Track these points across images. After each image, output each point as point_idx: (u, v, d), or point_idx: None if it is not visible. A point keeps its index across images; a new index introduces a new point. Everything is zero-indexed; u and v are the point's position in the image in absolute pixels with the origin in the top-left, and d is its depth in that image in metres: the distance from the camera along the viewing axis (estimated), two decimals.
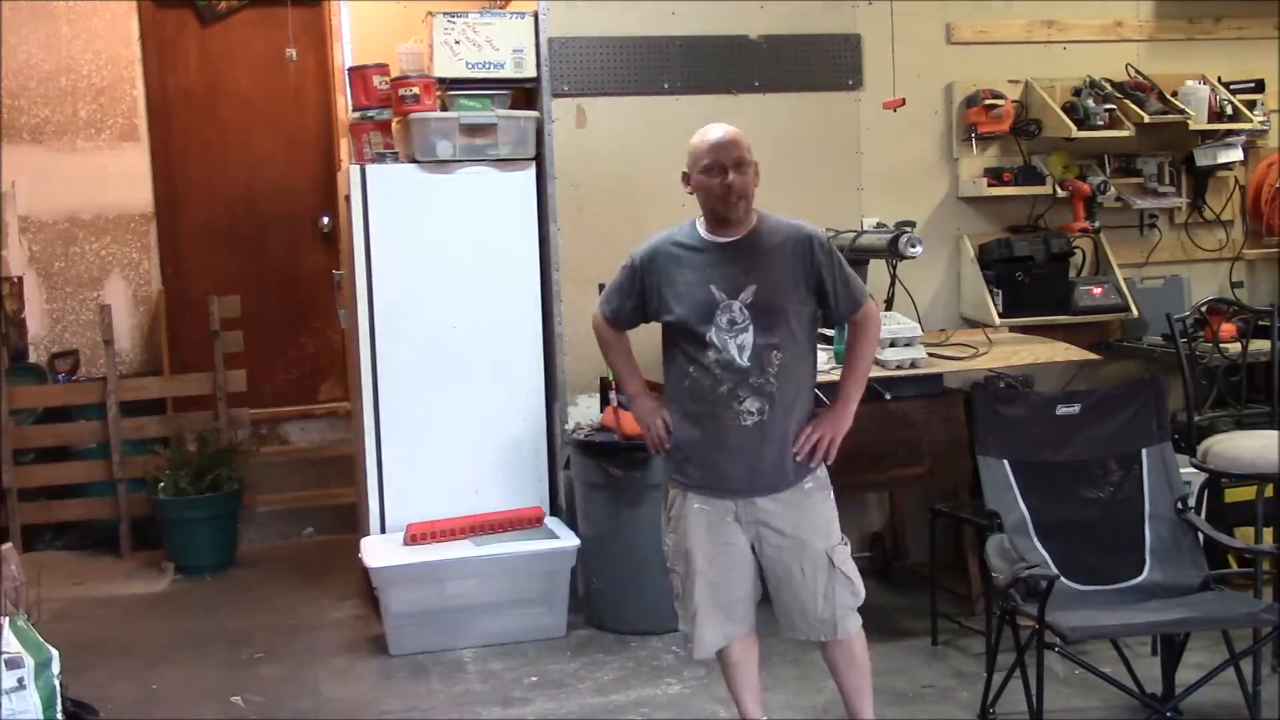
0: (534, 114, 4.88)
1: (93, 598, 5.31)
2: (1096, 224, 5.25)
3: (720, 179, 3.11)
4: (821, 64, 5.14)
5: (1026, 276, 5.11)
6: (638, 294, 3.28)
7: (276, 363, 6.82)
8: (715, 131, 3.18)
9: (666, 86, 5.01)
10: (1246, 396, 4.53)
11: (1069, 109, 5.17)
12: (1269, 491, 3.95)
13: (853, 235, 4.69)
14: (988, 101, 5.16)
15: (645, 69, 4.99)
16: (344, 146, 6.09)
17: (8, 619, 3.15)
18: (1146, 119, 5.19)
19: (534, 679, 4.19)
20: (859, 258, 4.62)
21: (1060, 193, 5.26)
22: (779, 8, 5.08)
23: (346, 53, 6.10)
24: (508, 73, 4.85)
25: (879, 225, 4.80)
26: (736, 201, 3.12)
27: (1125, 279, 5.26)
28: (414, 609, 4.42)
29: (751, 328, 3.10)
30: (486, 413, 4.85)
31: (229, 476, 5.73)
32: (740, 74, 5.06)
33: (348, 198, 4.83)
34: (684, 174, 3.22)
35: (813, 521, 3.20)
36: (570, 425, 4.86)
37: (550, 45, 4.88)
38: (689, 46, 5.02)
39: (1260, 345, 4.49)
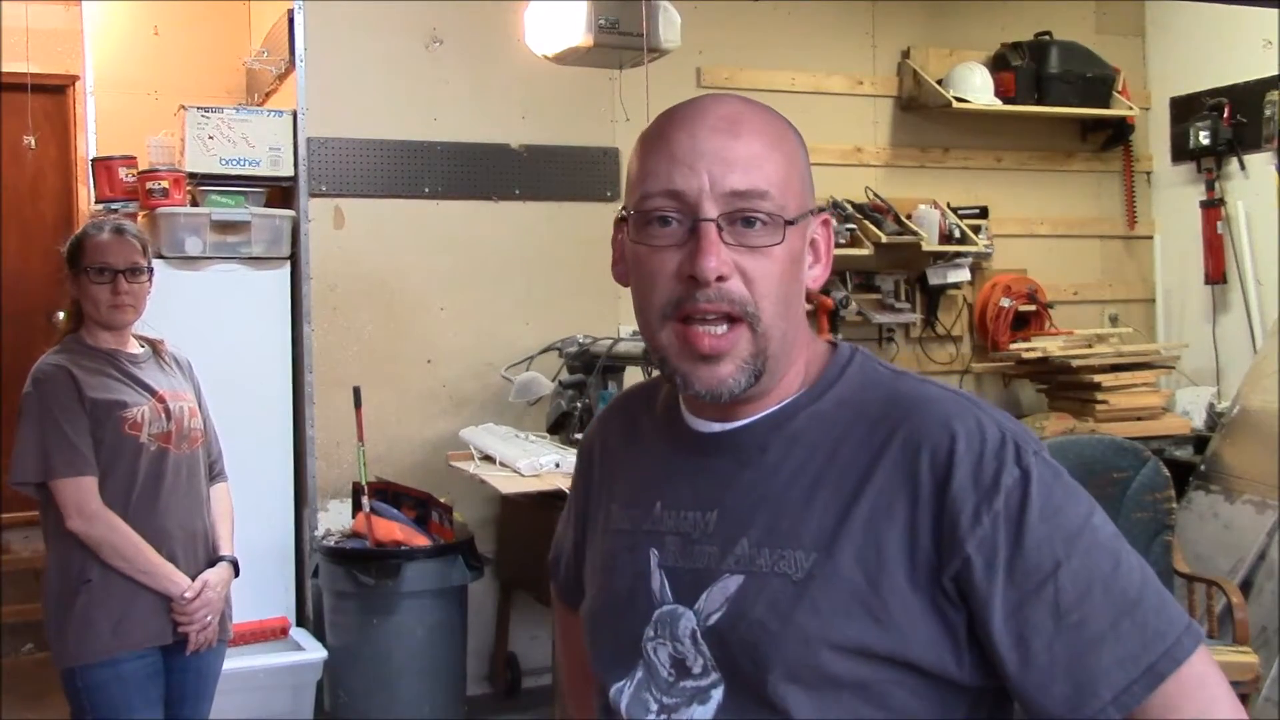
0: (290, 213, 4.80)
1: None
2: (839, 336, 5.49)
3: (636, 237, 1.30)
4: (580, 175, 5.25)
5: None
6: (578, 518, 1.51)
7: (3, 465, 6.35)
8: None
9: (427, 191, 5.01)
10: None
11: None
12: None
13: (610, 343, 4.77)
14: None
15: (406, 172, 4.99)
16: None
17: None
18: (884, 239, 5.48)
19: None
20: (616, 364, 4.69)
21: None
22: (540, 119, 5.18)
23: (91, 143, 5.86)
24: (263, 170, 4.75)
25: (635, 334, 4.89)
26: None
27: None
28: None
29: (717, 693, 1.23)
30: None
31: None
32: (501, 181, 5.12)
33: None
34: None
35: None
36: (320, 532, 4.70)
37: (309, 145, 4.82)
38: (450, 152, 5.05)
39: None
